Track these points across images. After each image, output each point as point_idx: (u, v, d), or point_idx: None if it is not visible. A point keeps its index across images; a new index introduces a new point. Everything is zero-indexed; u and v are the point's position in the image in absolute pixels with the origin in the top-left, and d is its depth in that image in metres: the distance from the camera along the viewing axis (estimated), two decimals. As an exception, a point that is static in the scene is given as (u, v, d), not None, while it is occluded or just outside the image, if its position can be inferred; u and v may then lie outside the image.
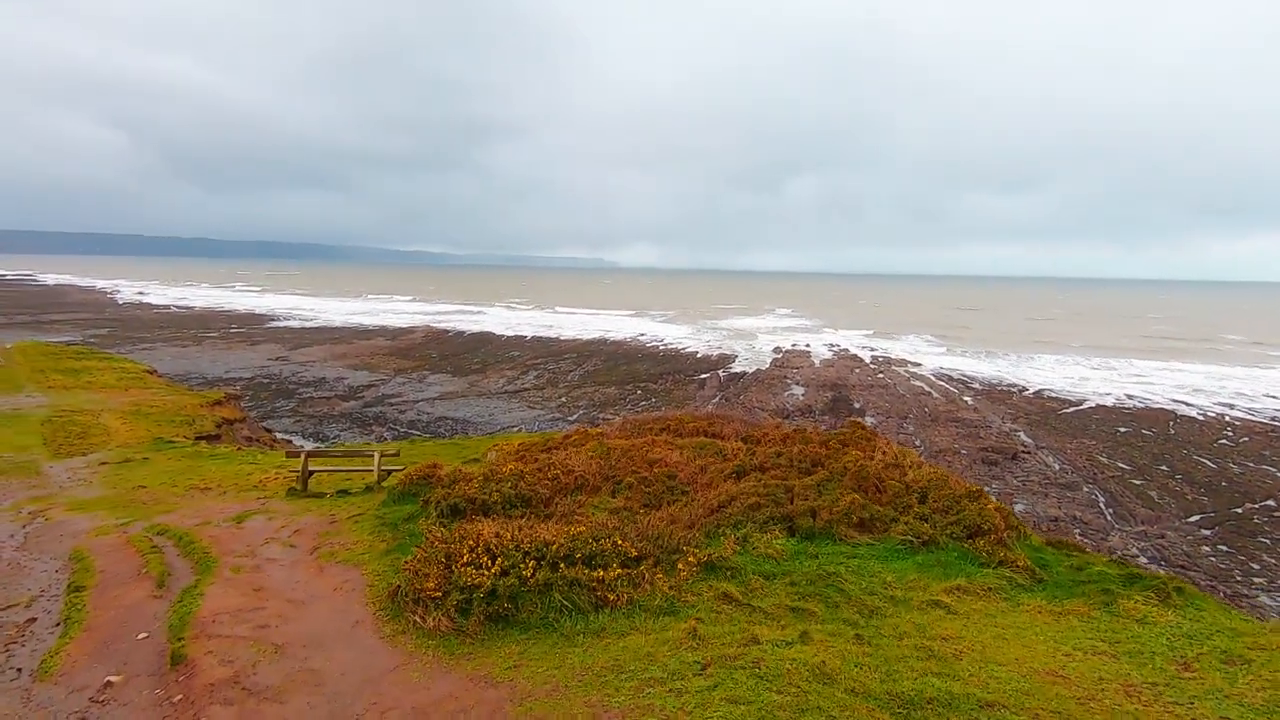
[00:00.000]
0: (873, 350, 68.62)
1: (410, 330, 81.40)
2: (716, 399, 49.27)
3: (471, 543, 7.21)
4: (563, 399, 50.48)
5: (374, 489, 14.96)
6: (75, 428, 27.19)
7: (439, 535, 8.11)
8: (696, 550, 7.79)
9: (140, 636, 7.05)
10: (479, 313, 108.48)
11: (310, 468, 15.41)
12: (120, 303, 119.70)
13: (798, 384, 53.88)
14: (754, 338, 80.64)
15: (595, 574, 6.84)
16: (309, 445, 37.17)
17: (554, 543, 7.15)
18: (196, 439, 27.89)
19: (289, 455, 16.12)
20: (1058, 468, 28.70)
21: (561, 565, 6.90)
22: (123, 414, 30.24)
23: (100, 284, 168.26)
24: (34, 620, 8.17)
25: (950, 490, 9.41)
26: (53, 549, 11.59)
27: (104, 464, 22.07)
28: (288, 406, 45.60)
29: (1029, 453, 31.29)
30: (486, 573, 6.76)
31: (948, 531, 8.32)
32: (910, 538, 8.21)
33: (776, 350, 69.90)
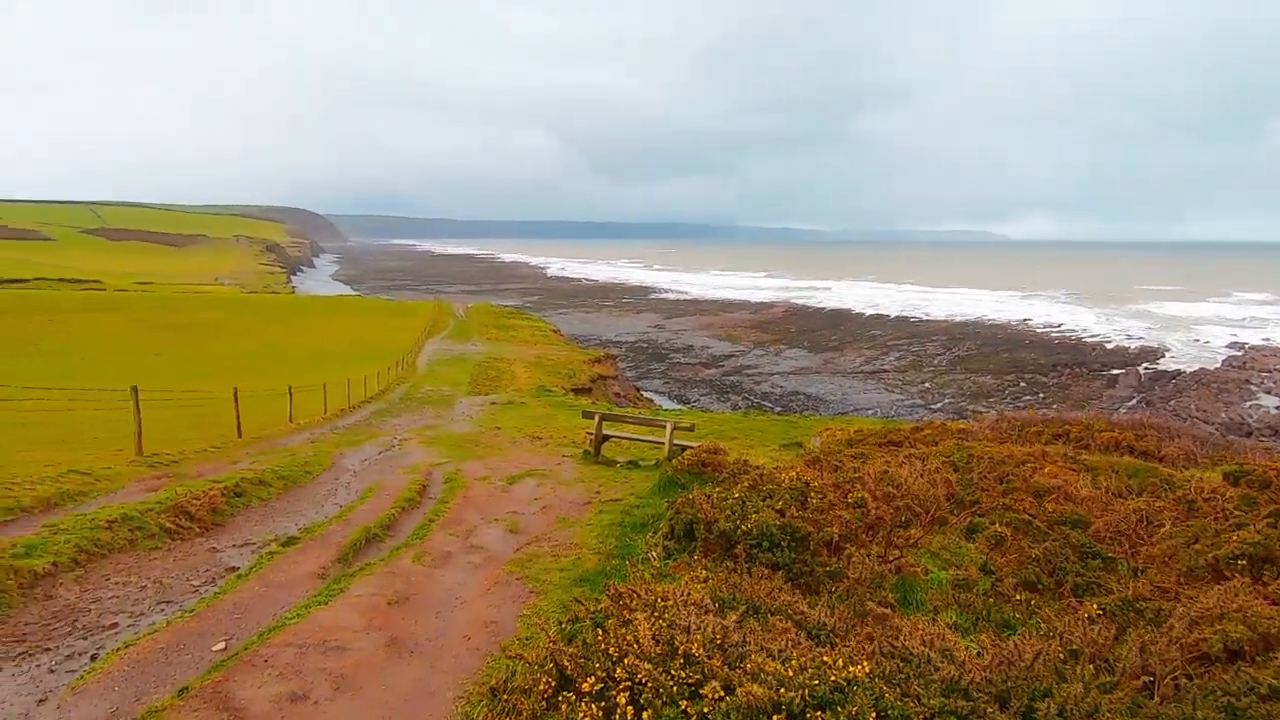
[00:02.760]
0: None
1: (771, 305, 79.10)
2: (1134, 401, 35.91)
3: (615, 648, 3.20)
4: (926, 384, 42.44)
5: (661, 465, 11.88)
6: (493, 372, 30.28)
7: (616, 592, 4.24)
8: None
9: (215, 648, 4.74)
10: (840, 289, 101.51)
11: (605, 432, 12.99)
12: (548, 276, 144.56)
13: (1268, 392, 36.68)
14: (1195, 328, 58.65)
15: None
16: (671, 406, 36.89)
17: (780, 705, 2.68)
18: (571, 390, 28.83)
19: (585, 415, 13.93)
20: None
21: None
22: (527, 364, 33.15)
23: (534, 261, 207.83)
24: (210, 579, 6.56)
25: None
26: (368, 480, 10.94)
27: (494, 404, 23.48)
28: (660, 369, 46.93)
29: None
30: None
31: None
32: None
33: (1234, 345, 49.42)
